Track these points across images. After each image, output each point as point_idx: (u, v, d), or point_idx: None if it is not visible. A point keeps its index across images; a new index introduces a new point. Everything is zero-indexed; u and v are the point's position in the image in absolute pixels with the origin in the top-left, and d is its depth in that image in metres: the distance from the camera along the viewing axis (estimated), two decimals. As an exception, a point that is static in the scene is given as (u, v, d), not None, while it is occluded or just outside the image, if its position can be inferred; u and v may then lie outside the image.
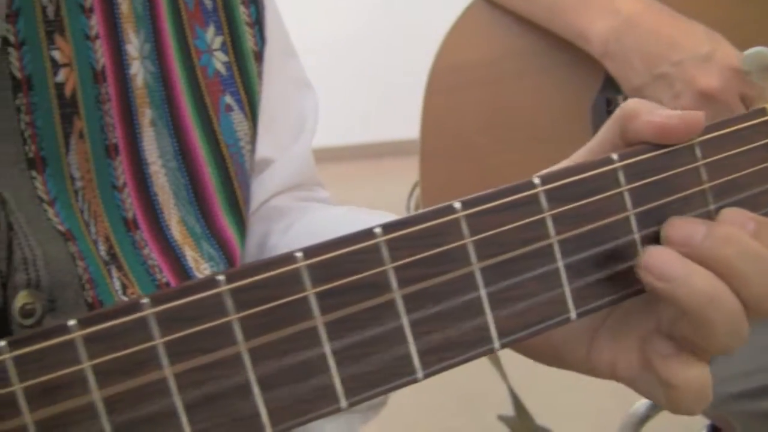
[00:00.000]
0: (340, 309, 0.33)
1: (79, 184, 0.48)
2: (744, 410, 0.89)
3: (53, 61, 0.47)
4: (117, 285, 0.48)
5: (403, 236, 0.34)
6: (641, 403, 1.16)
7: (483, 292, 0.35)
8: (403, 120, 2.54)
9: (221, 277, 0.31)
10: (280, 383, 0.32)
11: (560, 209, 0.37)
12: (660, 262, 0.38)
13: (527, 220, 0.36)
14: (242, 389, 0.31)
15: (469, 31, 1.02)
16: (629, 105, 0.41)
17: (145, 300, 0.31)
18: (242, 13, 0.56)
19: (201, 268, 0.52)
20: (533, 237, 0.36)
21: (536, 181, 0.37)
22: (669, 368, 0.39)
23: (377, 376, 0.33)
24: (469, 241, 0.35)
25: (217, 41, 0.55)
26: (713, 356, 0.40)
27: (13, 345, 0.29)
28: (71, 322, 0.30)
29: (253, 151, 0.56)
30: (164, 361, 0.31)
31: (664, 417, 1.21)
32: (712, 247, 0.38)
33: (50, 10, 0.46)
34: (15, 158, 0.45)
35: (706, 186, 0.41)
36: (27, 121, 0.46)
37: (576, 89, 0.97)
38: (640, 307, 0.41)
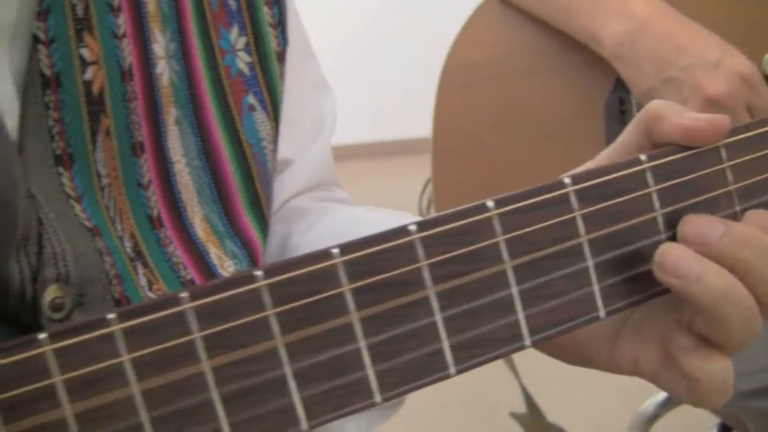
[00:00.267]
0: (375, 305, 0.33)
1: (105, 181, 0.48)
2: (756, 408, 0.89)
3: (81, 58, 0.47)
4: (143, 281, 0.48)
5: (437, 234, 0.34)
6: (650, 402, 1.17)
7: (515, 290, 0.35)
8: (414, 119, 2.54)
9: (259, 273, 0.32)
10: (315, 378, 0.32)
11: (590, 209, 0.38)
12: (674, 260, 0.38)
13: (558, 219, 0.37)
14: (278, 383, 0.32)
15: (481, 29, 1.02)
16: (655, 106, 0.42)
17: (183, 294, 0.31)
18: (266, 14, 0.56)
19: (225, 265, 0.52)
20: (564, 236, 0.37)
21: (567, 180, 0.37)
22: (691, 362, 0.40)
23: (411, 371, 0.34)
24: (501, 239, 0.35)
25: (241, 42, 0.55)
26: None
27: (53, 337, 0.30)
28: (111, 315, 0.30)
29: (275, 151, 0.57)
30: (202, 354, 0.31)
31: (673, 416, 1.21)
32: (729, 245, 0.39)
33: (79, 9, 0.47)
34: (43, 155, 0.46)
35: (731, 188, 0.41)
36: (55, 118, 0.46)
37: (587, 89, 0.98)
38: (662, 303, 0.42)
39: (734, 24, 0.93)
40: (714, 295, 0.38)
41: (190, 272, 0.51)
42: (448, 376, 0.34)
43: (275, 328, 0.32)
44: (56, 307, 0.44)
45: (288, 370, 0.32)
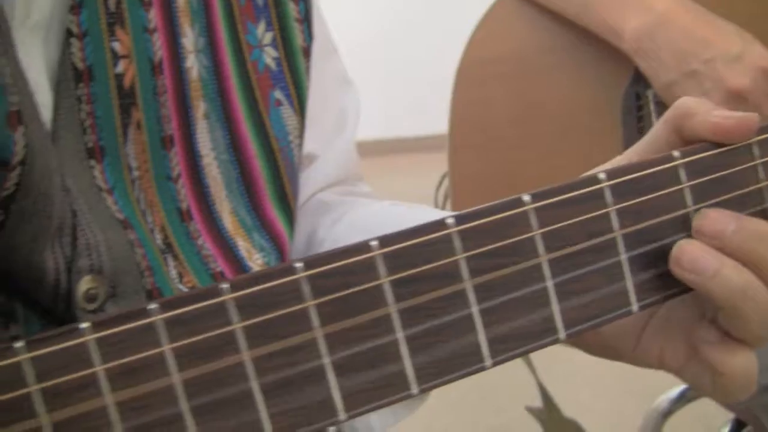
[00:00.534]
0: (413, 297, 0.33)
1: (135, 174, 0.48)
2: (770, 403, 0.89)
3: (113, 52, 0.47)
4: (173, 273, 0.49)
5: (474, 227, 0.34)
6: (664, 398, 1.17)
7: (550, 284, 0.36)
8: (428, 117, 2.54)
9: (299, 264, 0.32)
10: (354, 369, 0.33)
11: (624, 204, 0.38)
12: (691, 256, 0.39)
13: (593, 214, 0.37)
14: (317, 374, 0.32)
15: (497, 25, 1.02)
16: (685, 103, 0.42)
17: (224, 285, 0.31)
18: (292, 9, 0.57)
19: (253, 258, 0.53)
20: (598, 230, 0.37)
21: (602, 176, 0.38)
22: (716, 355, 0.40)
23: (447, 363, 0.34)
24: (537, 233, 0.36)
25: (268, 37, 0.55)
26: None
27: (96, 327, 0.30)
28: (152, 306, 0.30)
29: (301, 145, 0.57)
30: (242, 345, 0.31)
31: (687, 411, 1.21)
32: (743, 240, 0.39)
33: (111, 3, 0.47)
34: (75, 147, 0.46)
35: (763, 184, 0.42)
36: (87, 111, 0.46)
37: (604, 84, 0.98)
38: (687, 298, 0.42)
39: (755, 15, 0.93)
40: (731, 291, 0.38)
41: (220, 265, 0.51)
42: (483, 369, 0.35)
43: (315, 319, 0.32)
44: (90, 297, 0.44)
45: (327, 361, 0.32)
